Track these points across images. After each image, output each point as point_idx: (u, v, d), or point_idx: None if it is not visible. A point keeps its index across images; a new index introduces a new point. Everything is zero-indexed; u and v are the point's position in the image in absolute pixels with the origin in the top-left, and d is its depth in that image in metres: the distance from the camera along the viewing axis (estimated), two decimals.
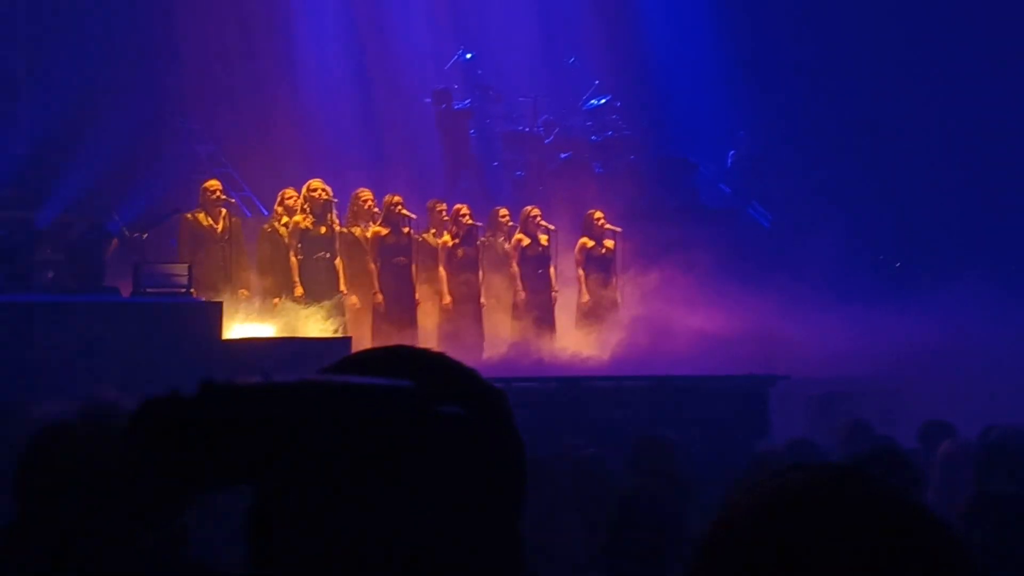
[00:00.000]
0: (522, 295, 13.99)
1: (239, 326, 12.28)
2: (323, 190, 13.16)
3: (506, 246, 14.27)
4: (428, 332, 13.59)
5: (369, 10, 18.88)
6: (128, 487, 1.05)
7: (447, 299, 13.62)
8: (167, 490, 1.04)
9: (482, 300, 13.91)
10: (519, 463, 1.29)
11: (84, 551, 1.03)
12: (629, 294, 14.88)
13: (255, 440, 1.05)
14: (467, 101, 17.99)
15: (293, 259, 12.97)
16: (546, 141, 18.31)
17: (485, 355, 13.50)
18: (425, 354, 1.35)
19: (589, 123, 18.88)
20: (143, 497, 1.05)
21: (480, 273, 13.88)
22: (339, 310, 12.91)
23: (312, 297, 12.83)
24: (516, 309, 14.04)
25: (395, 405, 1.09)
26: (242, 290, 13.16)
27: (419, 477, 1.10)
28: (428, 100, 18.05)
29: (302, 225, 13.01)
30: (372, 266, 13.30)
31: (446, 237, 13.77)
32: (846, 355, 13.86)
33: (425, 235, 13.92)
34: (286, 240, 13.04)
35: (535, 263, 14.15)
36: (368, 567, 1.19)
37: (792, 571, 1.09)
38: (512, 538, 1.25)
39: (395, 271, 13.37)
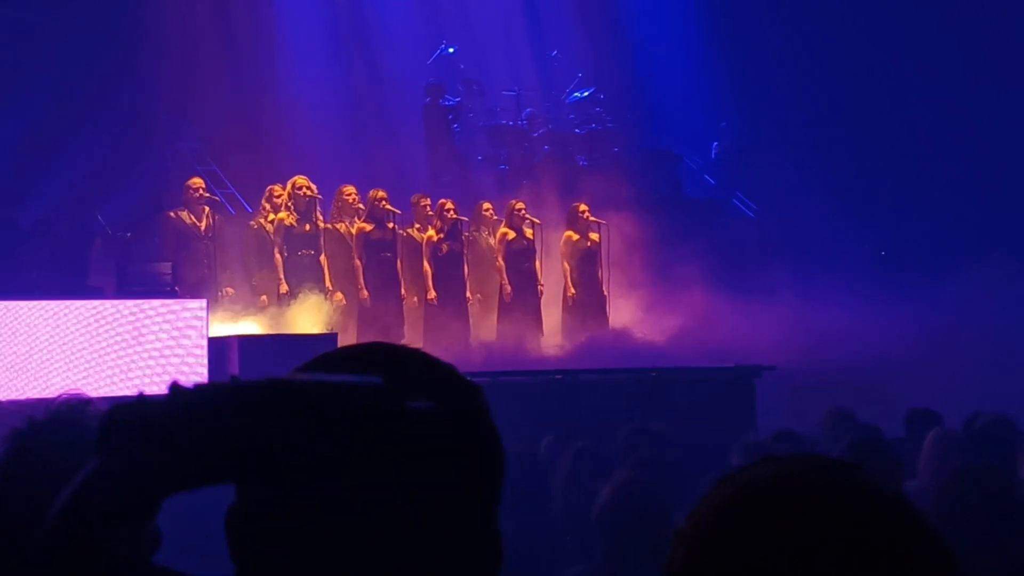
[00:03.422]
0: (508, 289, 13.98)
1: (224, 324, 12.26)
2: (308, 187, 13.14)
3: (491, 240, 14.26)
4: (414, 327, 13.58)
5: (352, 6, 18.85)
6: (97, 491, 1.04)
7: (432, 294, 13.60)
8: (134, 494, 1.03)
9: (468, 294, 13.90)
10: (495, 458, 1.29)
11: (53, 554, 1.03)
12: (615, 286, 14.88)
13: (223, 442, 1.05)
14: (455, 98, 17.96)
15: (278, 256, 12.96)
16: (532, 135, 18.31)
17: (471, 349, 13.49)
18: (400, 350, 1.34)
19: (572, 116, 18.89)
20: (111, 501, 1.04)
21: (465, 267, 13.87)
22: (324, 307, 12.90)
23: (297, 295, 12.82)
24: (502, 303, 14.03)
25: (364, 402, 1.08)
26: (227, 288, 13.16)
27: (389, 473, 1.10)
28: (414, 94, 18.05)
29: (287, 222, 13.00)
30: (357, 262, 13.28)
31: (431, 232, 13.75)
32: (832, 345, 13.89)
33: (410, 230, 13.90)
34: (272, 237, 13.03)
35: (520, 257, 14.14)
36: (342, 565, 1.19)
37: (760, 563, 1.08)
38: (488, 533, 1.25)
39: (380, 267, 13.35)
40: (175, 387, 1.05)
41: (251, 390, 1.07)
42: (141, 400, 1.05)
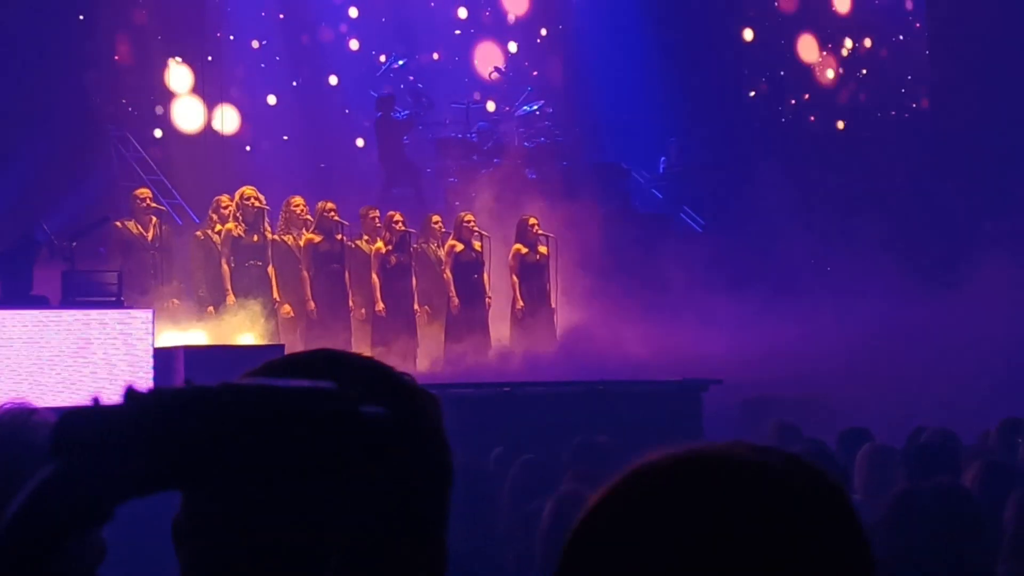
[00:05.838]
0: (455, 301, 13.97)
1: (170, 334, 12.18)
2: (256, 198, 13.08)
3: (439, 252, 14.25)
4: (361, 339, 13.55)
5: (302, 16, 18.82)
6: (52, 497, 1.04)
7: (380, 306, 13.58)
8: (90, 500, 1.03)
9: (416, 307, 13.88)
10: (445, 468, 1.29)
11: (6, 563, 1.02)
12: (563, 300, 14.90)
13: (179, 447, 1.05)
14: (406, 111, 17.96)
15: (225, 267, 12.89)
16: (481, 148, 18.32)
17: (419, 362, 13.48)
18: (351, 357, 1.34)
19: (521, 129, 18.92)
20: (67, 508, 1.04)
21: (413, 279, 13.85)
22: (271, 318, 12.85)
23: (244, 306, 12.76)
24: (450, 315, 14.02)
25: (316, 406, 1.08)
26: (173, 298, 13.07)
27: (339, 479, 1.10)
28: (364, 106, 18.05)
29: (234, 233, 12.93)
30: (305, 274, 13.24)
31: (379, 244, 13.73)
32: (779, 359, 13.96)
33: (358, 242, 13.87)
34: (219, 247, 12.96)
35: (469, 269, 14.13)
36: (290, 572, 1.19)
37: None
38: (434, 543, 1.25)
39: (328, 278, 13.31)
40: (131, 392, 1.05)
41: (206, 394, 1.07)
42: (96, 405, 1.05)
